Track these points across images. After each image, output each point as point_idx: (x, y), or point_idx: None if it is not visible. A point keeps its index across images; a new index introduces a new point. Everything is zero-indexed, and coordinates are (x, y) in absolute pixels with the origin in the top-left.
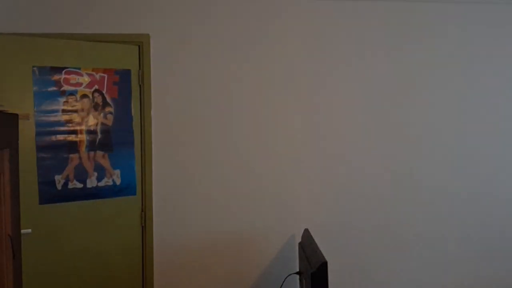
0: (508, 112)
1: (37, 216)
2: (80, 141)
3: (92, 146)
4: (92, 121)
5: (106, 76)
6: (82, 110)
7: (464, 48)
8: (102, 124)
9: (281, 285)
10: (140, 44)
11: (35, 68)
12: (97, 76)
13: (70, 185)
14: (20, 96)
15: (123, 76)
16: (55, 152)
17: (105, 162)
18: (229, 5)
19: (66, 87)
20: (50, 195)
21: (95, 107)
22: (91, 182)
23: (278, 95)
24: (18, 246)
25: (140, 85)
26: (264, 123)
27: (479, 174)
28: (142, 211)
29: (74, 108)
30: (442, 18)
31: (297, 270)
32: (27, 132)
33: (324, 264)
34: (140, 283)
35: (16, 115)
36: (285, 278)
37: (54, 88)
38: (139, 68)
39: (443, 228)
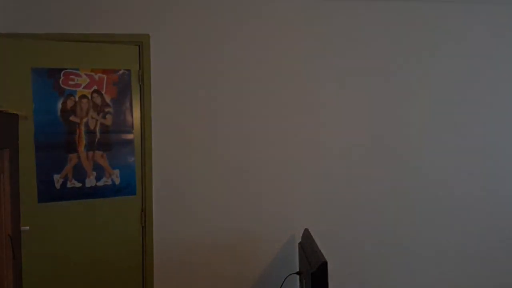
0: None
1: (36, 214)
2: (79, 141)
3: (91, 146)
4: (91, 121)
5: (105, 76)
6: (81, 110)
7: (465, 48)
8: (101, 124)
9: (281, 285)
10: (140, 44)
11: (34, 70)
12: (96, 76)
13: (69, 184)
14: (19, 97)
15: (123, 76)
16: (53, 151)
17: (104, 162)
18: (229, 5)
19: (65, 88)
20: (49, 193)
21: (94, 107)
22: (90, 182)
23: (279, 95)
24: (18, 246)
25: (140, 85)
26: (264, 123)
27: (480, 174)
28: (142, 211)
29: (72, 108)
30: (444, 18)
31: (297, 270)
32: (26, 132)
33: (324, 264)
34: (140, 283)
35: (16, 115)
36: (285, 278)
37: (53, 89)
38: (139, 68)
39: (443, 228)
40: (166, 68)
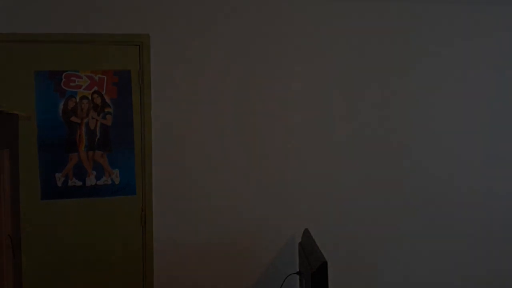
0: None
1: (38, 211)
2: (80, 141)
3: (91, 146)
4: (91, 121)
5: (105, 77)
6: (82, 111)
7: (468, 47)
8: (101, 124)
9: (281, 285)
10: (140, 44)
11: (36, 73)
12: (96, 77)
13: (70, 183)
14: (23, 98)
15: (123, 77)
16: (55, 151)
17: (104, 162)
18: (229, 5)
19: (66, 90)
20: (51, 191)
21: (95, 108)
22: (90, 181)
23: (279, 95)
24: (18, 246)
25: (140, 85)
26: (264, 123)
27: (480, 173)
28: (142, 211)
29: (73, 109)
30: (441, 18)
31: (297, 270)
32: (29, 132)
33: (324, 264)
34: (140, 283)
35: (16, 115)
36: (285, 278)
37: (55, 91)
38: (139, 69)
39: (444, 228)
40: (166, 68)
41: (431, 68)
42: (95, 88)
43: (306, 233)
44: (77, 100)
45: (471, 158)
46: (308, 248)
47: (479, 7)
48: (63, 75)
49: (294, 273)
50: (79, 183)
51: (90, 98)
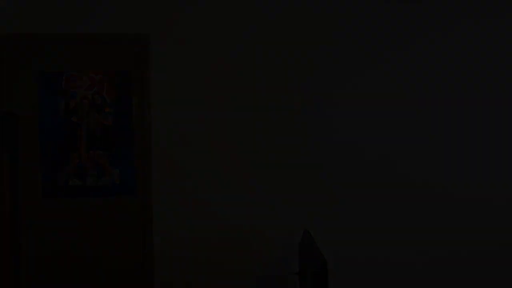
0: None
1: (40, 209)
2: (80, 140)
3: (92, 145)
4: (92, 121)
5: (106, 78)
6: (82, 111)
7: (464, 47)
8: (102, 124)
9: (281, 285)
10: (140, 44)
11: (39, 73)
12: (97, 78)
13: (71, 183)
14: (24, 99)
15: (123, 77)
16: (56, 150)
17: (104, 161)
18: (230, 5)
19: (67, 90)
20: (52, 190)
21: (95, 108)
22: (91, 181)
23: (279, 94)
24: (18, 245)
25: (140, 85)
26: (264, 123)
27: (481, 176)
28: (142, 211)
29: (74, 109)
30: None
31: (297, 270)
32: (31, 132)
33: (324, 264)
34: (140, 283)
35: (17, 116)
36: (285, 278)
37: (56, 91)
38: (139, 69)
39: (446, 228)
40: (166, 68)
41: (427, 70)
42: (96, 88)
43: (306, 233)
44: (78, 100)
45: (474, 163)
46: (308, 248)
47: None
48: (64, 76)
49: (294, 273)
50: (80, 183)
51: (90, 98)
